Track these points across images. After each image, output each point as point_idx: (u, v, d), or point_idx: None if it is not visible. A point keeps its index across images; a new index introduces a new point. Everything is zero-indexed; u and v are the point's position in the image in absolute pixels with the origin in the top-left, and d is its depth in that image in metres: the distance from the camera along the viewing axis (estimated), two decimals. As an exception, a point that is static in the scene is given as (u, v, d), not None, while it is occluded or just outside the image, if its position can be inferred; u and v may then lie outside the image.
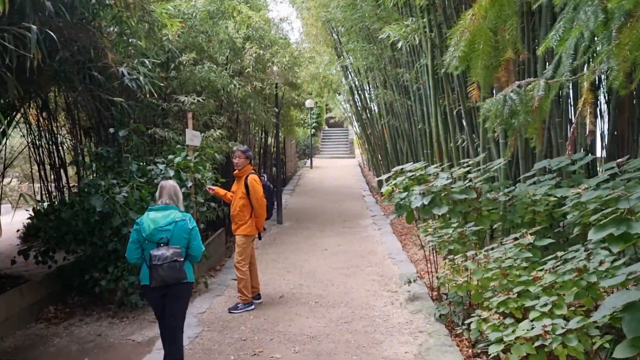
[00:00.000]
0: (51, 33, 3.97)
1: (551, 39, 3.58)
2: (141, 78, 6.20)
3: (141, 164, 6.58)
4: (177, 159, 6.71)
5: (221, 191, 6.48)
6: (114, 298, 6.11)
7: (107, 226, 5.90)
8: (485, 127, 5.34)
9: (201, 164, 7.02)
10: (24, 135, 9.20)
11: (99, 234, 5.98)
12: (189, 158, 6.78)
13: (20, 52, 3.60)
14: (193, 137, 6.85)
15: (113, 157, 6.45)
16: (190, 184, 6.74)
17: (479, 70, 3.97)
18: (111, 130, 6.44)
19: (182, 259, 4.03)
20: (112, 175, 6.19)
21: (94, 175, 6.60)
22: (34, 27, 3.56)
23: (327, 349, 4.91)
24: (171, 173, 6.54)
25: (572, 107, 6.32)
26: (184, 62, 7.74)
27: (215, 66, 8.14)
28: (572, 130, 3.93)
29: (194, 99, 7.49)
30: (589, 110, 3.60)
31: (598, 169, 6.62)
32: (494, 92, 6.16)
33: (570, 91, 6.28)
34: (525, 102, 3.74)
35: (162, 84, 7.06)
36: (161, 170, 6.54)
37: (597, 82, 6.10)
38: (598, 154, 6.60)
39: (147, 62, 6.39)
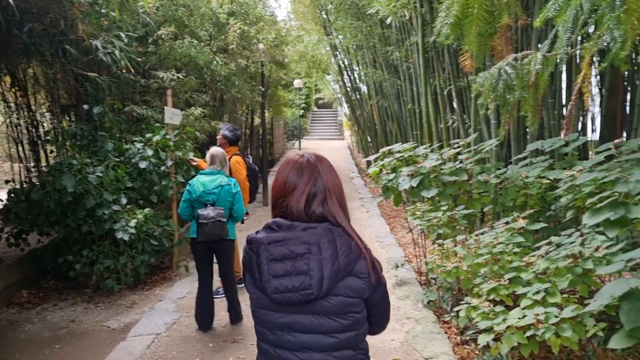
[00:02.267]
0: (10, 1, 3.63)
1: (549, 9, 3.32)
2: (116, 52, 5.90)
3: (117, 142, 6.28)
4: (156, 138, 6.43)
5: (203, 164, 6.17)
6: (89, 282, 5.87)
7: (81, 207, 5.62)
8: (477, 103, 5.04)
9: (181, 143, 6.73)
10: (1, 113, 8.83)
11: (72, 215, 5.70)
12: (168, 137, 6.49)
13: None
14: (172, 115, 6.54)
15: (87, 136, 6.14)
16: (169, 163, 6.46)
17: (473, 38, 3.68)
18: (85, 107, 6.13)
19: (225, 219, 4.59)
20: (86, 155, 5.89)
21: (67, 154, 6.30)
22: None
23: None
24: (149, 152, 6.25)
25: (565, 88, 6.11)
26: (163, 37, 7.39)
27: (196, 42, 7.79)
28: (569, 108, 3.69)
29: (174, 76, 7.17)
30: (588, 87, 3.35)
31: (589, 152, 6.43)
32: (486, 67, 5.89)
33: (564, 71, 6.05)
34: (522, 76, 3.49)
35: (139, 59, 6.73)
36: (139, 149, 6.26)
37: (589, 63, 5.86)
38: (588, 137, 6.41)
39: (122, 35, 6.06)
